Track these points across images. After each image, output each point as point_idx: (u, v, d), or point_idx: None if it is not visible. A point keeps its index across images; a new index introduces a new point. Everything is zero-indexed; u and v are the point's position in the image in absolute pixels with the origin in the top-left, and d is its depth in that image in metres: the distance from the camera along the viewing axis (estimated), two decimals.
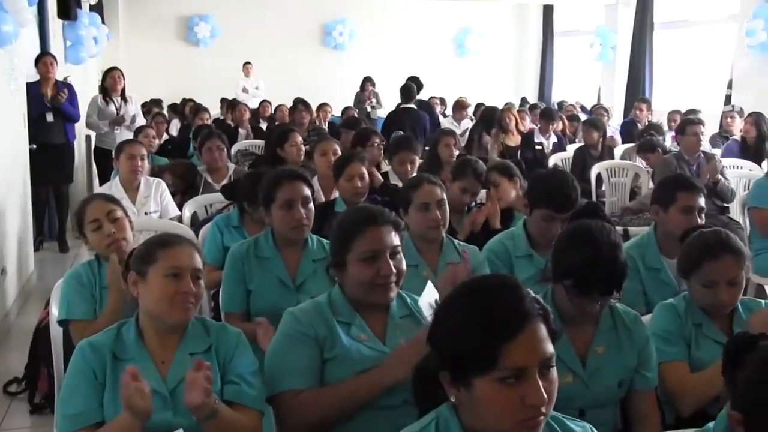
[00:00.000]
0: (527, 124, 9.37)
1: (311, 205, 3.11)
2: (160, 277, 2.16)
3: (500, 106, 9.12)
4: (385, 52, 15.66)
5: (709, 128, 8.09)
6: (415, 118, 8.72)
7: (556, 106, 11.95)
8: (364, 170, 4.10)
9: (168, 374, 2.15)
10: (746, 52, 10.25)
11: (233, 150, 7.53)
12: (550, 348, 1.46)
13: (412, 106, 8.97)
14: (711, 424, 1.76)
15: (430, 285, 2.32)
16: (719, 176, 5.68)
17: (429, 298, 2.27)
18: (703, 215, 3.29)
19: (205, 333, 2.24)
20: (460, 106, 11.07)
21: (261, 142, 7.96)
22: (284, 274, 3.04)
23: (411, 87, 8.97)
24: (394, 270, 2.23)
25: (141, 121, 8.14)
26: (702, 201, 3.30)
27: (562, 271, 2.35)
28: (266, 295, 3.01)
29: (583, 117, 9.83)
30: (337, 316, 2.27)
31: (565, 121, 9.63)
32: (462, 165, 4.32)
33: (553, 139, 8.23)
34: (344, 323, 2.27)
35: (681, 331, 2.58)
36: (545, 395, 1.42)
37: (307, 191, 3.11)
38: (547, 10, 16.29)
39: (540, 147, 7.88)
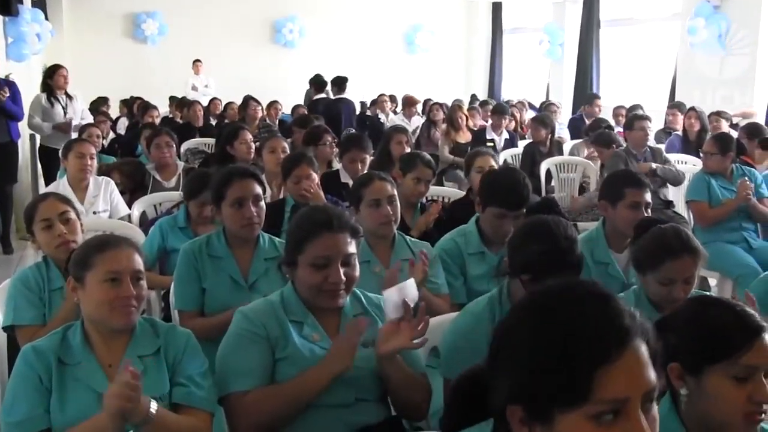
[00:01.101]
0: (477, 121, 9.46)
1: (262, 203, 3.09)
2: (98, 283, 2.11)
3: (449, 103, 9.20)
4: (335, 50, 15.62)
5: (655, 124, 8.25)
6: (348, 107, 9.47)
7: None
8: (312, 172, 4.09)
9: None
10: (689, 49, 10.48)
11: (183, 148, 7.44)
12: (653, 376, 1.15)
13: (345, 96, 9.57)
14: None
15: (412, 282, 2.22)
16: (652, 165, 5.82)
17: (406, 295, 2.15)
18: (649, 210, 3.36)
19: (154, 334, 2.20)
20: (409, 103, 11.10)
21: (211, 140, 7.88)
22: (236, 273, 3.02)
23: (345, 78, 9.70)
24: (344, 278, 2.21)
25: (90, 118, 7.99)
26: (648, 196, 3.38)
27: (519, 265, 2.37)
28: (219, 294, 2.99)
29: (531, 114, 9.93)
30: (290, 315, 2.26)
31: (518, 118, 9.72)
32: (409, 158, 4.35)
33: (505, 135, 8.31)
34: (297, 322, 2.25)
35: None
36: None
37: (258, 189, 3.08)
38: (496, 8, 16.41)
39: (492, 144, 7.95)
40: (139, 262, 2.18)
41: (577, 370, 1.10)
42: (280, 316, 2.24)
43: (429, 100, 11.51)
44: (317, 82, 10.33)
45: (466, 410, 1.38)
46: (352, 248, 2.26)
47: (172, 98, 12.05)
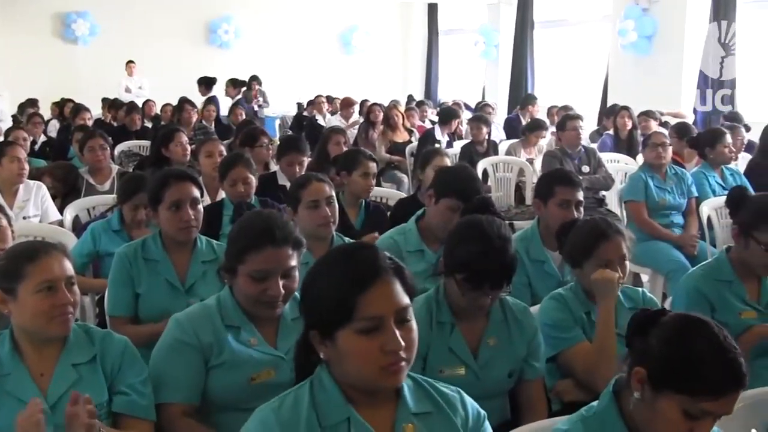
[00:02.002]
0: (415, 121, 9.51)
1: (200, 206, 3.06)
2: (32, 294, 2.05)
3: (386, 104, 9.24)
4: (272, 51, 15.53)
5: (588, 124, 8.41)
6: (216, 105, 10.40)
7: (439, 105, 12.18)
8: (249, 174, 4.08)
9: (49, 388, 2.06)
10: (619, 50, 10.72)
11: (117, 150, 7.31)
12: (404, 299, 1.57)
13: (214, 95, 10.81)
14: (595, 403, 1.84)
15: None
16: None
17: None
18: (581, 208, 3.42)
19: (89, 342, 2.15)
20: (346, 104, 11.13)
21: (146, 143, 7.74)
22: (173, 276, 2.98)
23: (212, 79, 11.07)
24: (282, 291, 2.21)
25: (8, 120, 7.75)
26: (580, 195, 3.43)
27: (454, 265, 2.39)
28: (155, 298, 2.95)
29: (467, 115, 10.02)
30: (226, 320, 2.25)
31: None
32: (350, 155, 4.40)
33: (446, 137, 8.38)
34: (233, 327, 2.25)
35: (572, 317, 2.68)
36: (402, 341, 1.53)
37: (196, 192, 3.05)
38: (432, 9, 16.53)
39: (438, 144, 8.00)
40: (70, 267, 2.13)
41: (343, 296, 1.54)
42: (215, 323, 2.24)
43: (366, 101, 11.53)
44: (204, 82, 11.32)
45: (306, 364, 1.68)
46: (294, 261, 2.26)
47: (104, 100, 11.82)
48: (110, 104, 11.06)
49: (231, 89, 11.57)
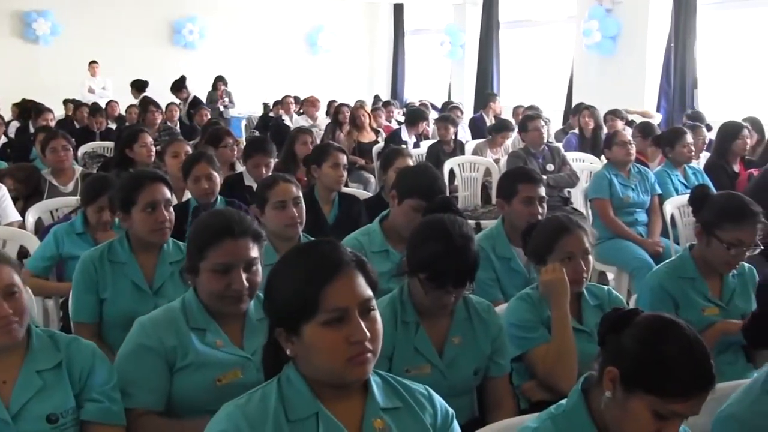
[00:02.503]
0: (381, 121, 9.53)
1: (171, 207, 3.04)
2: None
3: (352, 104, 9.25)
4: (237, 51, 15.44)
5: (554, 123, 8.48)
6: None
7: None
8: (212, 171, 4.07)
9: (12, 396, 2.00)
10: (584, 51, 10.83)
11: (80, 152, 7.23)
12: (368, 291, 1.61)
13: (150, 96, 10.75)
14: (564, 401, 1.85)
15: None
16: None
17: None
18: (544, 204, 3.45)
19: (54, 348, 2.10)
20: (312, 104, 11.11)
21: (109, 144, 7.66)
22: (140, 279, 2.95)
23: (144, 82, 11.59)
24: (246, 284, 2.21)
25: None
26: (542, 191, 3.47)
27: (416, 264, 2.40)
28: (122, 301, 2.92)
29: (433, 114, 10.06)
30: (191, 322, 2.24)
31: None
32: (319, 148, 4.43)
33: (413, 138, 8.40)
34: (198, 329, 2.23)
35: (539, 318, 2.70)
36: (367, 332, 1.56)
37: (168, 194, 3.04)
38: (398, 9, 16.56)
39: (405, 145, 8.01)
40: (12, 275, 2.03)
41: (308, 290, 1.56)
42: (180, 325, 2.22)
43: (333, 101, 11.52)
44: (137, 86, 11.71)
45: (275, 363, 1.69)
46: (255, 253, 2.26)
47: (65, 101, 11.66)
48: (74, 104, 10.92)
49: (177, 93, 11.45)
